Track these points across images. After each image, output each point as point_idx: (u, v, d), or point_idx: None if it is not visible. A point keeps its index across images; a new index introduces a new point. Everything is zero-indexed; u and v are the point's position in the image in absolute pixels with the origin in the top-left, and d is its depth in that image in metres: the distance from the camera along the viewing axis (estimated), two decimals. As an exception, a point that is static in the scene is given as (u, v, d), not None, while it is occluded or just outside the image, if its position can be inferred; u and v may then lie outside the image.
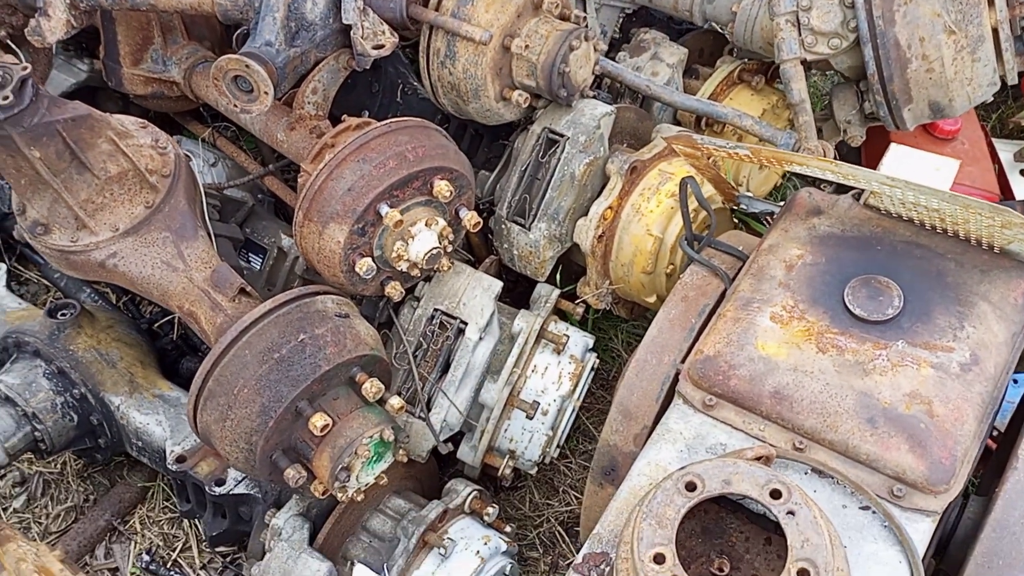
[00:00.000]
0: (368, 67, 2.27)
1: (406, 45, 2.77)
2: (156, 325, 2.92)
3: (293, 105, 2.35)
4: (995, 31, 2.39)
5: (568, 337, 2.38)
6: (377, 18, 2.25)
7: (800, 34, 2.51)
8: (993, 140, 3.13)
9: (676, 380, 1.88)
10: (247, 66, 2.05)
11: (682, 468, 1.49)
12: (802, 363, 1.71)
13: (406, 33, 2.37)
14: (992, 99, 2.62)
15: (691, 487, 1.46)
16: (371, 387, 1.97)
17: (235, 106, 2.13)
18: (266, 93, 2.09)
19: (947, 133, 2.94)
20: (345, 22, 2.20)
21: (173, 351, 2.87)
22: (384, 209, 2.00)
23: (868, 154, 3.01)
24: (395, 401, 2.04)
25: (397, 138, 2.04)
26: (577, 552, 2.63)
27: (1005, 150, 3.14)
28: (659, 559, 1.39)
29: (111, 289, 3.05)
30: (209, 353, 1.93)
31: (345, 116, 2.22)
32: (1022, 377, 2.42)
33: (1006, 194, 3.00)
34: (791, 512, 1.41)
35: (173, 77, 2.60)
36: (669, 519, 1.43)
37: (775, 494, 1.44)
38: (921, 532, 1.58)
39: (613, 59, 2.86)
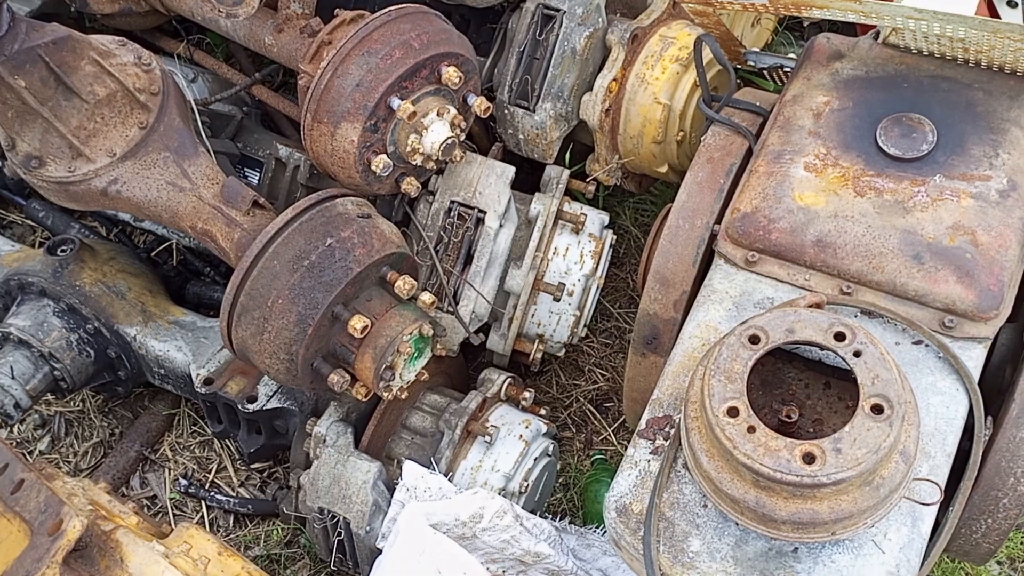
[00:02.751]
0: (351, -45, 2.17)
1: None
2: (153, 253, 2.86)
3: (278, 6, 2.24)
4: None
5: (585, 216, 2.36)
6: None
7: None
8: (978, -26, 3.08)
9: (710, 242, 1.87)
10: (229, -35, 1.94)
11: (743, 323, 1.50)
12: (842, 209, 1.70)
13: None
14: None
15: (755, 340, 1.47)
16: (404, 284, 1.95)
17: (220, 12, 2.03)
18: (252, -7, 1.99)
19: (935, -30, 2.89)
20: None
21: (176, 278, 2.82)
22: (396, 102, 1.94)
23: None
24: (427, 297, 2.02)
25: (399, 26, 1.96)
26: (610, 427, 2.68)
27: (991, -17, 3.10)
28: (733, 412, 1.41)
29: (99, 222, 2.97)
30: (237, 268, 1.88)
31: (337, 11, 2.12)
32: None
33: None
34: (857, 353, 1.43)
35: (140, -10, 2.47)
36: (738, 373, 1.44)
37: (839, 336, 1.45)
38: (975, 359, 1.61)
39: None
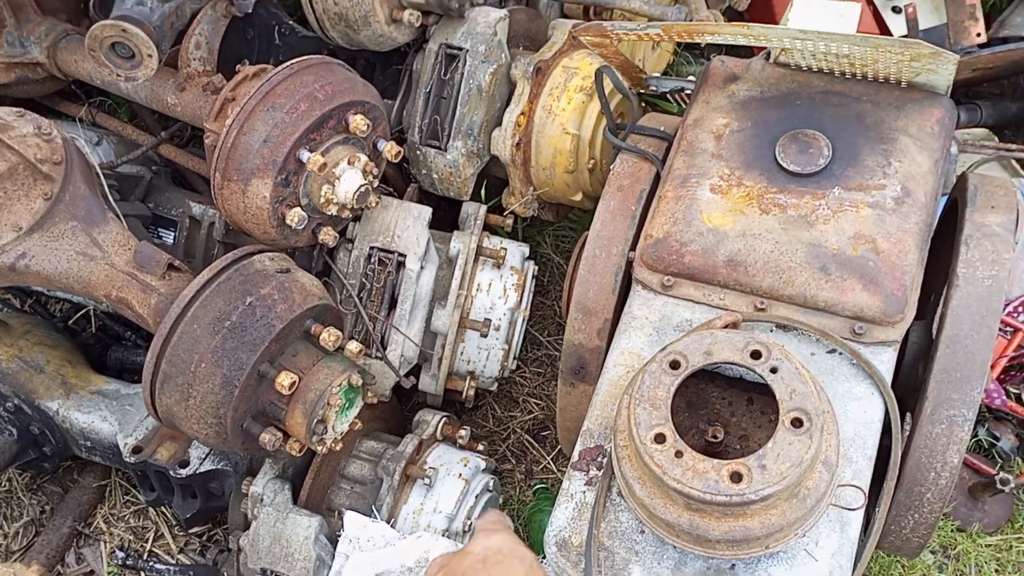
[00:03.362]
0: (249, 10, 2.16)
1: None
2: (71, 322, 2.80)
3: (178, 64, 2.22)
4: None
5: (505, 250, 2.38)
6: (248, -43, 2.14)
7: (673, -94, 2.51)
8: (862, -17, 3.21)
9: (627, 269, 1.91)
10: (124, 30, 1.92)
11: (663, 349, 1.53)
12: (749, 227, 1.75)
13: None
14: (861, -58, 2.68)
15: (675, 365, 1.50)
16: (329, 336, 1.94)
17: (118, 75, 2.01)
18: (150, 56, 1.97)
19: (821, -17, 3.00)
20: (215, -34, 2.08)
21: (96, 345, 2.76)
22: (305, 155, 1.93)
23: (752, 16, 3.06)
24: (353, 346, 2.02)
25: (303, 79, 1.96)
26: (549, 455, 2.70)
27: (875, -9, 3.23)
28: (660, 439, 1.43)
29: (12, 294, 2.88)
30: (156, 335, 1.85)
31: (239, 66, 2.11)
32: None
33: (882, 31, 3.10)
34: (774, 369, 1.47)
35: (36, 58, 2.41)
36: (661, 399, 1.47)
37: (755, 354, 1.49)
38: (886, 362, 1.67)
39: (489, -37, 2.79)
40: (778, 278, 1.71)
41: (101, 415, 2.40)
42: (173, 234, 2.52)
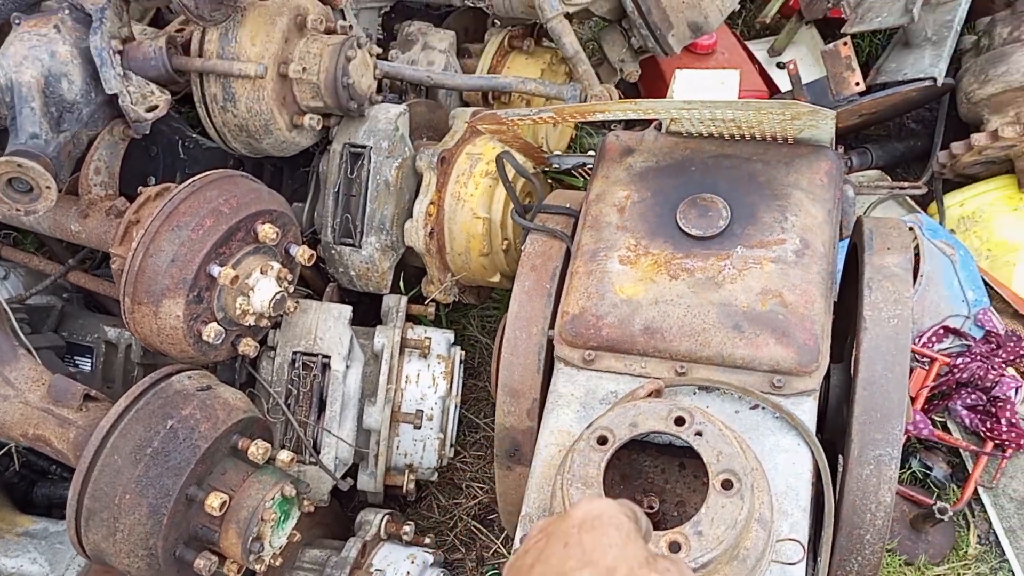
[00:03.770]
0: (147, 131, 2.16)
1: (174, 96, 2.65)
2: (-8, 462, 2.70)
3: (79, 191, 2.20)
4: (725, -55, 2.57)
5: (430, 339, 2.39)
6: (142, 80, 2.14)
7: (556, -10, 2.60)
8: (747, 43, 3.36)
9: (549, 348, 1.93)
10: (19, 165, 1.90)
11: (589, 426, 1.54)
12: (661, 294, 1.79)
13: (175, 87, 2.27)
14: (738, 6, 2.81)
15: (603, 441, 1.52)
16: (257, 450, 1.90)
17: (17, 210, 1.98)
18: (48, 188, 1.95)
19: (706, 48, 3.14)
20: (109, 92, 2.08)
21: (20, 482, 2.66)
22: (215, 270, 1.92)
23: (645, 85, 3.17)
24: (284, 455, 1.98)
25: (206, 194, 1.96)
26: (498, 539, 2.66)
27: (759, 49, 3.38)
28: (596, 517, 1.43)
29: (-73, 441, 2.77)
30: (76, 470, 1.79)
31: (140, 188, 2.10)
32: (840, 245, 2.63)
33: (771, 88, 3.24)
34: (699, 433, 1.49)
35: (-69, 198, 2.37)
36: (593, 477, 1.48)
37: (679, 421, 1.51)
38: (807, 411, 1.71)
39: (386, 59, 2.86)
40: (694, 341, 1.74)
41: (30, 557, 2.30)
42: (90, 361, 2.47)
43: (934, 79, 2.70)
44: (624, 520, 0.97)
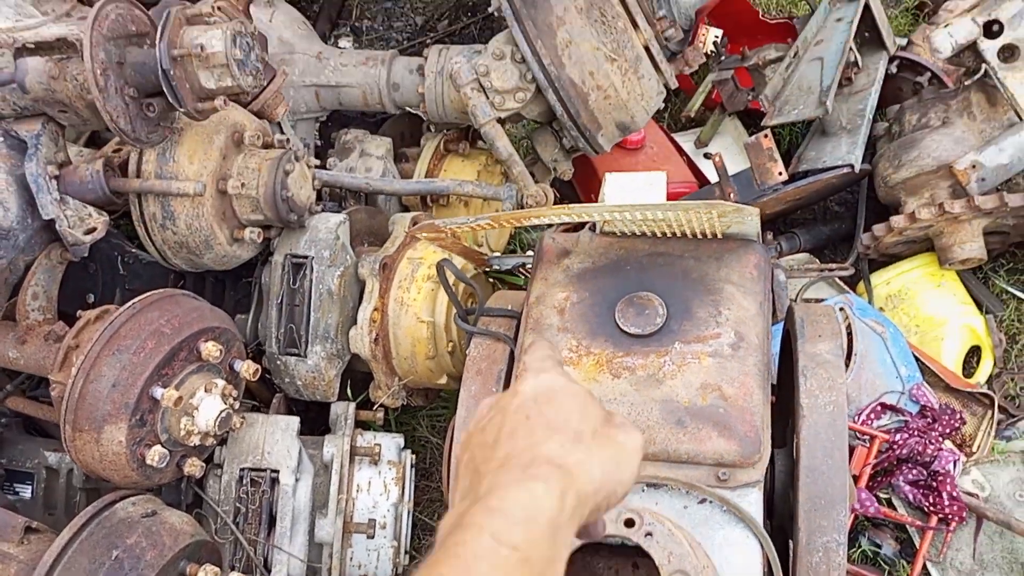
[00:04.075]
0: (85, 254, 2.16)
1: (112, 216, 2.66)
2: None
3: (16, 317, 2.18)
4: (647, 49, 2.69)
5: (380, 445, 2.38)
6: (79, 203, 2.15)
7: (488, 97, 2.69)
8: (674, 136, 3.50)
9: (499, 450, 1.93)
10: (-46, 296, 1.89)
11: (541, 533, 1.55)
12: (604, 394, 1.82)
13: (113, 207, 2.29)
14: (663, 104, 2.94)
15: (555, 547, 1.52)
16: (205, 575, 1.87)
17: (-48, 341, 1.95)
18: (-16, 316, 1.93)
19: (636, 143, 3.26)
20: (46, 218, 2.08)
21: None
22: (158, 392, 1.91)
23: (579, 181, 3.26)
24: (234, 577, 1.95)
25: (147, 316, 1.96)
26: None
27: (686, 141, 3.52)
28: (553, 626, 1.43)
29: None
30: (16, 611, 1.74)
31: (80, 312, 2.09)
32: (775, 328, 2.70)
33: (699, 178, 3.36)
34: (649, 534, 1.51)
35: None
36: (547, 585, 1.48)
37: (629, 523, 1.53)
38: (754, 503, 1.73)
39: (324, 167, 2.91)
40: (640, 438, 1.77)
41: None
42: (31, 487, 2.40)
43: (852, 166, 2.83)
44: (579, 388, 0.99)
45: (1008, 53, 2.71)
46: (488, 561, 0.80)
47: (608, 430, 0.96)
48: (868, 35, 3.28)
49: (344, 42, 4.32)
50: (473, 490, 0.90)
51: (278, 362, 2.43)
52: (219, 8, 2.42)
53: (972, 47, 2.73)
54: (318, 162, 2.68)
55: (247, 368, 2.14)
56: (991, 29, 2.71)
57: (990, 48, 2.70)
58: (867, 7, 3.18)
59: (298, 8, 3.18)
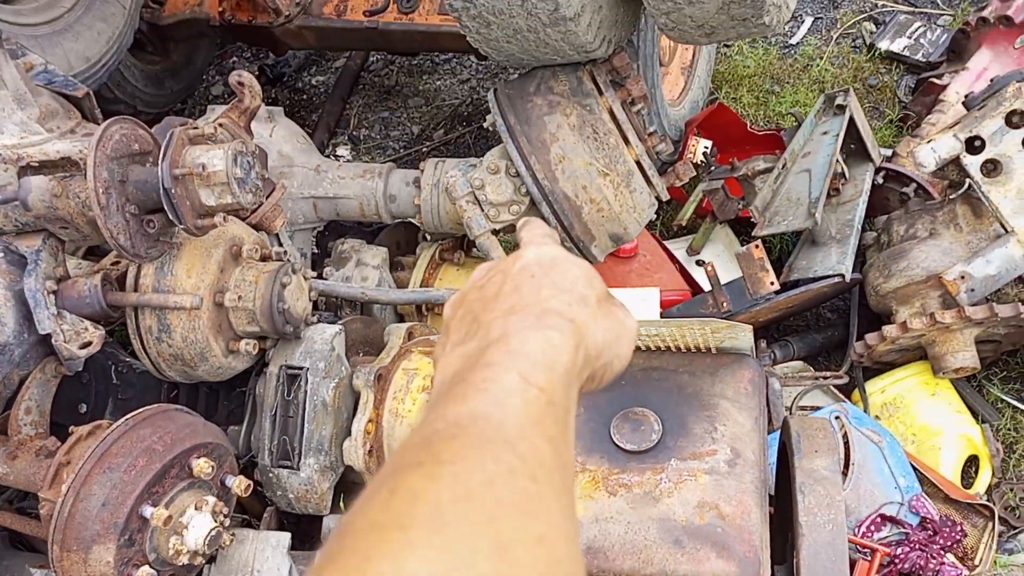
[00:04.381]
0: (80, 368, 2.16)
1: (107, 328, 2.67)
2: None
3: (8, 432, 2.16)
4: (639, 163, 2.75)
5: (371, 561, 2.33)
6: (76, 317, 2.16)
7: (483, 209, 2.74)
8: (666, 243, 3.55)
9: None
10: (-54, 413, 1.88)
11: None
12: (601, 512, 1.81)
13: (110, 320, 2.30)
14: (655, 214, 2.99)
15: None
16: None
17: (-59, 457, 1.93)
18: (-24, 433, 1.92)
19: (629, 252, 3.30)
20: (42, 332, 2.09)
21: None
22: (148, 511, 1.88)
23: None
24: None
25: (139, 433, 1.95)
26: None
27: (678, 248, 3.57)
28: None
29: None
30: None
31: (72, 428, 2.08)
32: (771, 437, 2.69)
33: (692, 286, 3.39)
34: (648, 662, 1.47)
35: None
36: None
37: (628, 651, 1.49)
38: (755, 625, 1.70)
39: (321, 277, 2.93)
40: (637, 559, 1.74)
41: None
42: (12, 606, 2.34)
43: (842, 275, 2.87)
44: (582, 261, 0.94)
45: (991, 167, 2.78)
46: (520, 397, 0.75)
47: (610, 305, 0.93)
48: (854, 147, 3.37)
49: (342, 151, 4.44)
50: (474, 337, 0.85)
51: (270, 475, 2.40)
52: (221, 125, 2.48)
53: (955, 161, 2.80)
54: (314, 273, 2.70)
55: (239, 484, 2.11)
56: (973, 144, 2.79)
57: (973, 163, 2.77)
58: (851, 120, 3.28)
59: (298, 118, 3.27)
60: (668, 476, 1.84)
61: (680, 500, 1.80)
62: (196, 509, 2.00)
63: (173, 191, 2.02)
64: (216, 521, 2.03)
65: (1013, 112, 2.74)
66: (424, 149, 4.38)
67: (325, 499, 2.42)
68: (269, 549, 2.21)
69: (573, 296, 0.88)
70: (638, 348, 2.08)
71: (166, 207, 2.04)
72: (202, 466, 2.00)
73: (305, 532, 2.59)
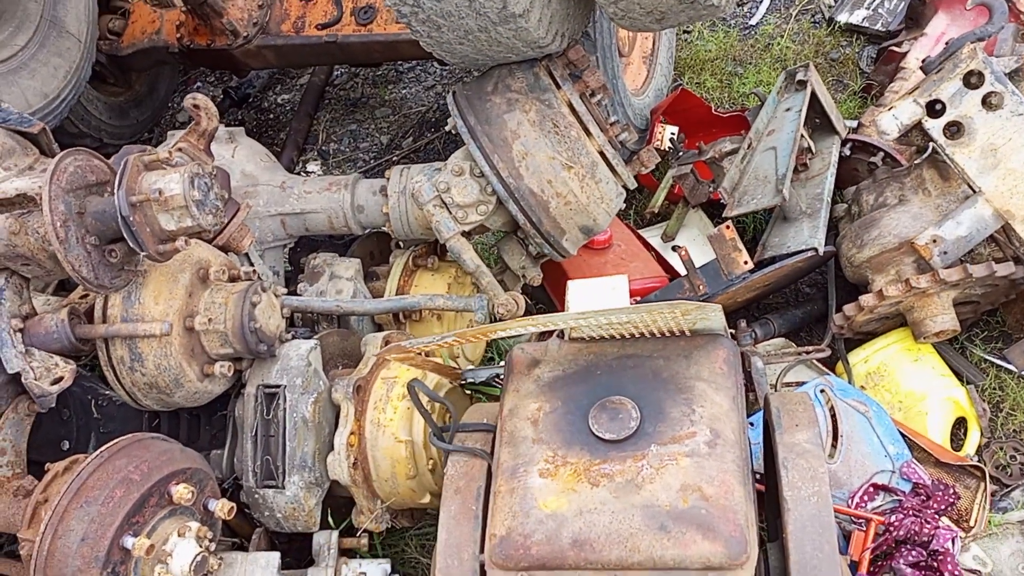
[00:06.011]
0: (53, 404, 2.14)
1: (79, 363, 2.64)
2: None
3: (-16, 475, 2.14)
4: (602, 154, 2.75)
5: (365, 573, 2.32)
6: (45, 354, 2.14)
7: (451, 212, 2.73)
8: (640, 232, 3.54)
9: (483, 572, 1.89)
10: (-82, 460, 1.85)
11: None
12: (584, 504, 1.79)
13: (81, 354, 2.28)
14: (624, 203, 2.98)
15: (543, 673, 1.47)
16: None
17: (-82, 505, 1.91)
18: (-50, 478, 1.90)
19: (603, 243, 3.29)
20: (11, 371, 2.07)
21: None
22: (129, 542, 1.86)
23: (550, 285, 3.28)
24: None
25: (114, 464, 1.93)
26: None
27: (652, 236, 3.56)
28: None
29: None
30: None
31: (48, 465, 2.06)
32: (755, 418, 2.69)
33: (669, 272, 3.38)
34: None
35: None
36: None
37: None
38: (747, 605, 1.69)
39: (294, 292, 2.92)
40: (623, 547, 1.73)
41: None
42: (5, 650, 2.32)
43: (815, 249, 2.86)
44: None
45: (954, 129, 2.77)
46: None
47: None
48: (819, 121, 3.37)
49: (312, 166, 4.41)
50: None
51: (256, 496, 2.38)
52: (180, 150, 2.47)
53: (918, 126, 2.80)
54: (286, 290, 2.69)
55: (222, 507, 2.10)
56: (934, 108, 2.79)
57: (935, 127, 2.77)
58: (814, 95, 3.28)
59: (266, 137, 3.25)
60: (649, 462, 1.83)
61: (663, 485, 1.79)
62: (179, 536, 1.98)
63: (132, 218, 2.00)
64: (201, 546, 2.01)
65: (970, 73, 2.74)
66: (394, 158, 4.36)
67: (313, 516, 2.40)
68: (259, 571, 2.20)
69: None
70: (612, 337, 2.07)
71: (126, 235, 2.02)
72: (182, 492, 1.98)
73: (298, 549, 2.58)
